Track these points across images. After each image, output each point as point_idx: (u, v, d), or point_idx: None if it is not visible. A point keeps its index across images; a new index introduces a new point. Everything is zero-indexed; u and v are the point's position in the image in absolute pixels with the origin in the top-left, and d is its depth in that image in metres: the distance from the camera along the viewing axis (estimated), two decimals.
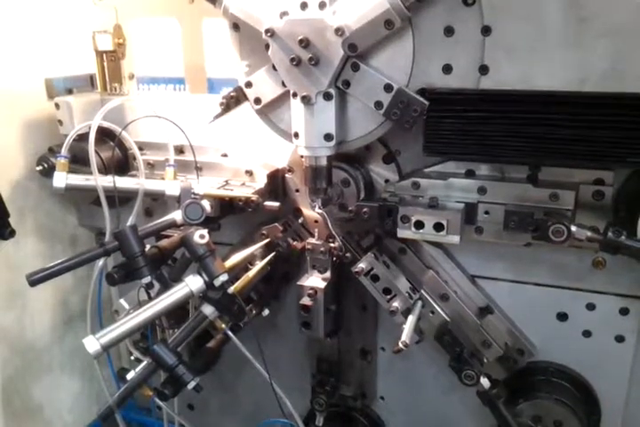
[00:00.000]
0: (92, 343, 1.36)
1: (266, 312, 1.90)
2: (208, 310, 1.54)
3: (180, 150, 2.00)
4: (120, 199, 1.79)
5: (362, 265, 1.69)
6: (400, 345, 1.57)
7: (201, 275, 1.48)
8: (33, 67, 2.16)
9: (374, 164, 1.79)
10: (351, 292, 1.91)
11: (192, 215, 1.49)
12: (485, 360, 1.73)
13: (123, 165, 2.14)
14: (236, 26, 1.61)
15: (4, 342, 2.14)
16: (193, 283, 1.47)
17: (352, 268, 1.71)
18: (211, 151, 1.99)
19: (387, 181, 1.78)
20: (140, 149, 2.06)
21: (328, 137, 1.58)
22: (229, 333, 1.64)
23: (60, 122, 2.10)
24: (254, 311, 1.83)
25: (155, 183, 1.61)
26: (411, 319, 1.63)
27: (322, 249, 1.75)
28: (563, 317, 1.76)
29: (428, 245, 1.78)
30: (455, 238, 1.52)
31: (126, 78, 2.53)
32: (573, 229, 1.42)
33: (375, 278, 1.70)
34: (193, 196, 1.61)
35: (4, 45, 2.04)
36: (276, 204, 1.76)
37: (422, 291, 1.74)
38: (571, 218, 1.49)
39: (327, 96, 1.54)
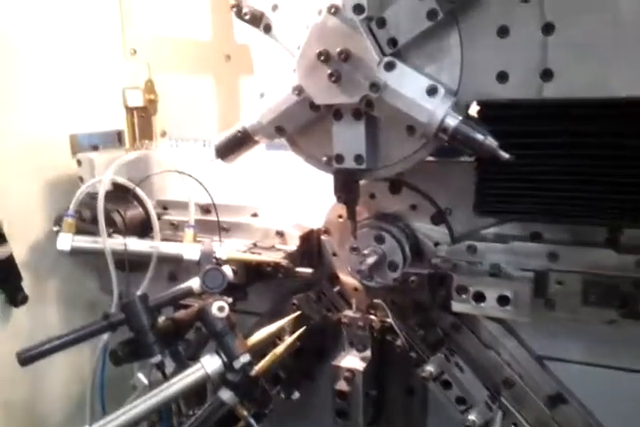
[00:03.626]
0: None
1: (296, 395, 1.64)
2: (226, 395, 1.31)
3: (206, 210, 1.83)
4: (140, 263, 1.62)
5: (430, 368, 1.43)
6: None
7: (219, 354, 1.26)
8: (58, 123, 2.05)
9: (421, 224, 1.57)
10: (395, 372, 1.65)
11: (211, 283, 1.29)
12: None
13: (145, 225, 1.99)
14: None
15: (10, 418, 1.92)
16: (209, 364, 1.25)
17: (418, 370, 1.45)
18: (240, 211, 1.81)
19: (437, 244, 1.55)
20: (165, 208, 1.92)
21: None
22: (252, 422, 1.40)
23: (81, 179, 1.95)
24: (282, 395, 1.58)
25: (171, 246, 1.43)
26: None
27: (360, 323, 1.51)
28: None
29: (486, 320, 1.52)
30: (524, 315, 1.27)
31: (158, 135, 2.43)
32: None
33: (446, 385, 1.44)
34: (215, 260, 1.42)
35: (30, 100, 1.95)
36: (309, 270, 1.55)
37: (502, 398, 1.47)
38: None
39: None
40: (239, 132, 1.48)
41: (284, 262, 1.51)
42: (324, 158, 1.42)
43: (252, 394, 1.33)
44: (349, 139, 1.37)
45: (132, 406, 1.19)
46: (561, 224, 1.37)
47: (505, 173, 1.28)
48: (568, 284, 1.33)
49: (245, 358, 1.23)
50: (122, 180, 1.51)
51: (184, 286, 1.30)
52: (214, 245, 1.42)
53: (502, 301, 1.27)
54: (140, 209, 2.03)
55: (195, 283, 1.29)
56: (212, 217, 1.79)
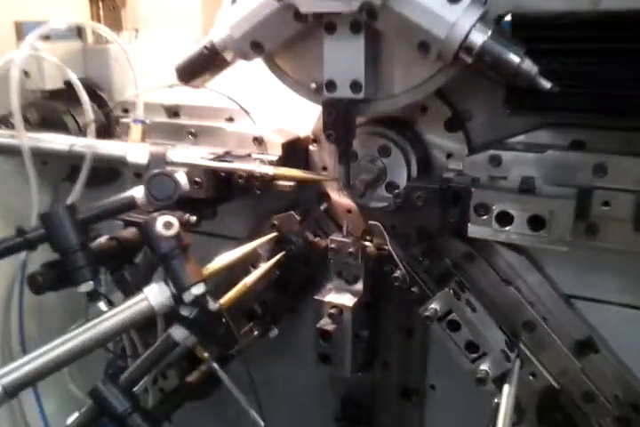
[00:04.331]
0: None
1: (274, 333, 1.39)
2: (178, 333, 1.04)
3: (173, 112, 1.53)
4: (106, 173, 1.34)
5: (434, 306, 1.14)
6: None
7: (167, 283, 0.99)
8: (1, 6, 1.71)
9: (433, 131, 1.26)
10: (392, 310, 1.38)
11: (158, 192, 1.00)
12: None
13: (104, 128, 1.69)
14: None
15: None
16: (155, 294, 0.98)
17: (420, 309, 1.18)
18: (213, 114, 1.50)
19: (449, 155, 1.25)
20: (125, 110, 1.61)
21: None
22: (215, 366, 1.15)
23: (27, 74, 1.63)
24: (256, 332, 1.33)
25: (111, 146, 1.11)
26: (507, 393, 1.09)
27: (351, 249, 1.22)
28: None
29: (506, 250, 1.24)
30: (562, 242, 0.98)
31: (128, 32, 2.08)
32: None
33: (454, 327, 1.16)
34: (171, 166, 1.11)
35: None
36: (290, 183, 1.25)
37: (521, 344, 1.19)
38: None
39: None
40: (206, 48, 1.19)
41: (260, 173, 1.21)
42: (312, 85, 1.15)
43: (213, 333, 1.07)
44: (345, 59, 1.08)
45: (52, 345, 0.93)
46: (614, 127, 1.07)
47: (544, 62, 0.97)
48: (617, 205, 1.04)
49: (198, 290, 0.96)
50: (48, 56, 1.18)
51: (125, 195, 1.01)
52: (169, 148, 1.12)
53: (535, 223, 0.97)
54: (100, 113, 1.74)
55: (138, 192, 1.00)
56: (179, 120, 1.50)
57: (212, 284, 1.33)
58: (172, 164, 1.08)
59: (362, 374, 1.37)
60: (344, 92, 1.09)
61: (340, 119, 1.12)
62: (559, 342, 1.22)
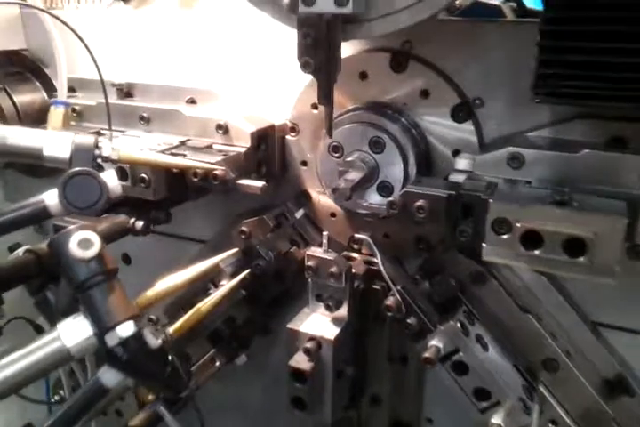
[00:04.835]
0: None
1: (242, 360, 1.17)
2: (110, 377, 0.81)
3: (125, 92, 1.28)
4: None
5: (436, 343, 0.91)
6: None
7: (89, 318, 0.75)
8: None
9: (436, 121, 1.03)
10: (382, 336, 1.16)
11: (78, 199, 0.75)
12: None
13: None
14: None
15: None
16: (70, 334, 0.74)
17: (418, 346, 0.95)
18: (171, 94, 1.26)
19: (457, 151, 1.02)
20: (72, 89, 1.36)
21: None
22: (161, 409, 0.92)
23: None
24: (218, 361, 1.10)
25: (23, 135, 0.85)
26: None
27: (333, 269, 0.99)
28: None
29: (525, 271, 1.01)
30: (608, 273, 0.74)
31: None
32: None
33: (461, 370, 0.93)
34: (103, 161, 0.86)
35: None
36: (259, 183, 1.01)
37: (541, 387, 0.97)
38: None
39: None
40: None
41: (220, 171, 0.97)
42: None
43: (155, 375, 0.84)
44: None
45: None
46: None
47: (588, 34, 0.74)
48: None
49: (126, 331, 0.72)
50: None
51: (33, 200, 0.77)
52: (102, 138, 0.87)
53: (572, 247, 0.74)
54: (44, 93, 1.50)
55: (51, 198, 0.76)
56: (132, 101, 1.26)
57: (165, 303, 1.11)
58: (105, 158, 0.83)
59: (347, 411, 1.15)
60: (326, 5, 0.82)
61: (320, 42, 0.84)
62: (585, 382, 1.00)
